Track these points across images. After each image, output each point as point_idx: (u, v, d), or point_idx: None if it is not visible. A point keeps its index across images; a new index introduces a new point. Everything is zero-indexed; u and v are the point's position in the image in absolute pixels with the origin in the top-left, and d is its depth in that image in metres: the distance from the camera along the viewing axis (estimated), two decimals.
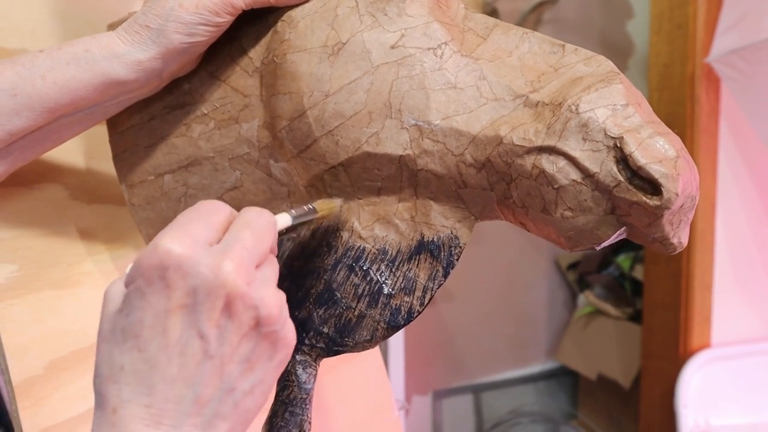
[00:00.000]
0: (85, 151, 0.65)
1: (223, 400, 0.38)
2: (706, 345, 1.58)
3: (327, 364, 0.77)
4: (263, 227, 0.40)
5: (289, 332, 0.40)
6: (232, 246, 0.38)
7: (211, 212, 0.39)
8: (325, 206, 0.49)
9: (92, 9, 0.64)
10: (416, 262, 0.48)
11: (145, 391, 0.36)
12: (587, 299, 2.14)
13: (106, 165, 0.65)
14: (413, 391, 2.10)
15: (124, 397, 0.36)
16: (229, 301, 0.37)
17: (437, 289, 0.48)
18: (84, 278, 0.62)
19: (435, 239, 0.48)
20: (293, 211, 0.45)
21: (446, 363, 2.17)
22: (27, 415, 0.56)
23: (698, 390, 1.53)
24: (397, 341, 1.53)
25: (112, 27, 0.55)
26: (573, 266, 2.25)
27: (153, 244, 0.37)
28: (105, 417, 0.37)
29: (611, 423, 2.17)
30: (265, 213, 0.40)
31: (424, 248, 0.48)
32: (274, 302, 0.38)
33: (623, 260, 2.04)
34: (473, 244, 2.08)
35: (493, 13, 1.93)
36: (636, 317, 1.97)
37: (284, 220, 0.44)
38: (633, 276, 2.01)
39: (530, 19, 2.03)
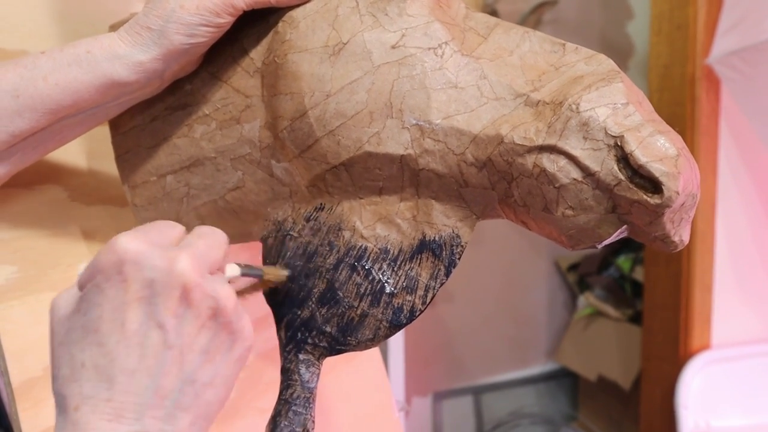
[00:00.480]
0: (85, 152, 0.64)
1: (184, 391, 0.38)
2: (706, 346, 1.58)
3: (327, 364, 0.77)
4: (216, 239, 0.41)
5: (246, 326, 0.40)
6: (185, 246, 0.39)
7: (166, 226, 0.41)
8: (273, 272, 0.50)
9: (93, 10, 0.64)
10: (418, 261, 0.48)
11: (105, 385, 0.36)
12: (587, 300, 2.14)
13: (106, 166, 0.65)
14: (413, 392, 2.10)
15: (85, 394, 0.36)
16: (186, 290, 0.37)
17: (439, 287, 0.48)
18: None
19: (437, 238, 0.48)
20: (242, 264, 0.46)
21: (446, 364, 2.17)
22: (27, 417, 0.56)
23: (698, 391, 1.53)
24: (397, 342, 1.53)
25: (113, 28, 0.55)
26: (573, 267, 2.25)
27: (109, 244, 0.37)
28: (67, 417, 0.36)
29: (611, 424, 2.16)
30: (217, 230, 0.42)
31: (425, 247, 0.48)
32: (230, 294, 0.39)
33: (623, 262, 2.04)
34: (473, 245, 2.08)
35: (493, 14, 1.93)
36: (636, 318, 1.97)
37: (232, 269, 0.45)
38: (633, 277, 2.01)
39: (530, 20, 2.03)
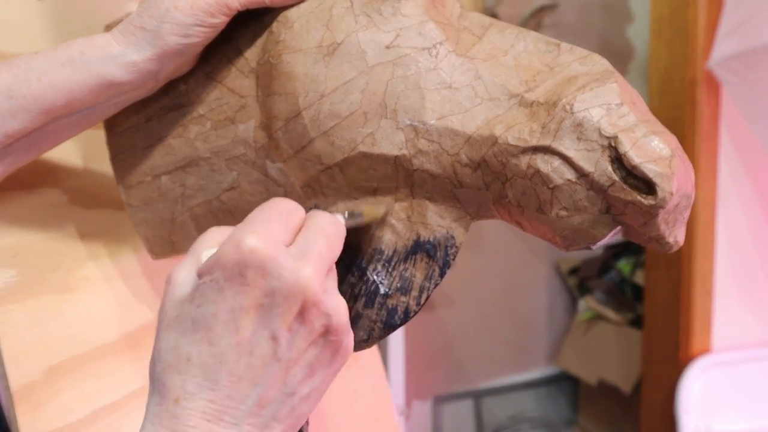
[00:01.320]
0: (84, 155, 0.64)
1: (283, 403, 0.38)
2: (706, 350, 1.58)
3: None
4: (336, 236, 0.41)
5: (350, 341, 0.40)
6: (310, 251, 0.38)
7: (288, 212, 0.40)
8: (371, 211, 0.49)
9: (89, 13, 0.64)
10: (412, 262, 0.48)
11: (210, 385, 0.36)
12: (588, 304, 2.14)
13: (105, 169, 0.64)
14: (413, 396, 2.09)
15: (187, 389, 0.36)
16: (305, 307, 0.37)
17: (433, 288, 0.48)
18: (83, 283, 0.62)
19: (431, 239, 0.48)
20: (345, 213, 0.45)
21: (446, 368, 2.17)
22: (26, 421, 0.56)
23: (699, 395, 1.53)
24: (397, 346, 1.53)
25: (109, 27, 0.55)
26: (573, 271, 2.25)
27: (236, 240, 0.37)
28: (165, 406, 0.36)
29: (612, 428, 2.16)
30: (337, 222, 0.41)
31: (420, 248, 0.48)
32: (344, 312, 0.39)
33: (624, 265, 2.04)
34: (473, 249, 2.08)
35: (493, 17, 1.94)
36: (637, 322, 1.96)
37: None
38: (634, 281, 2.01)
39: (530, 24, 2.03)
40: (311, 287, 0.37)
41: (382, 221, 0.49)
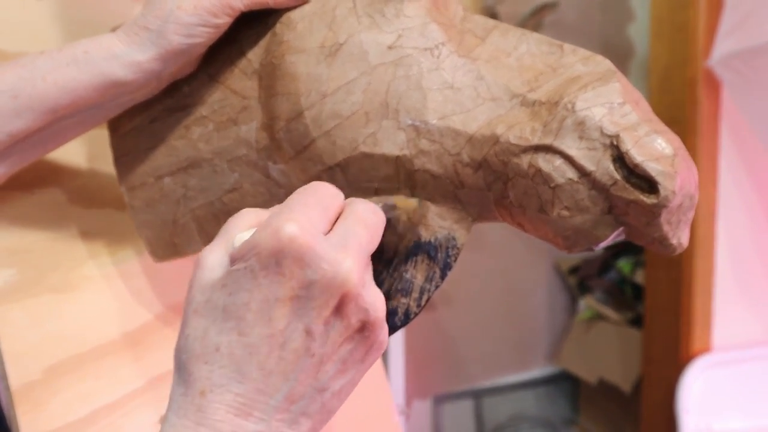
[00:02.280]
0: (84, 154, 0.64)
1: (313, 398, 0.37)
2: (707, 349, 1.58)
3: None
4: (376, 226, 0.39)
5: (385, 337, 0.39)
6: (351, 242, 0.37)
7: (327, 198, 0.39)
8: (404, 204, 0.48)
9: (93, 12, 0.64)
10: (413, 264, 0.48)
11: (238, 378, 0.35)
12: (588, 304, 2.13)
13: (105, 168, 0.64)
14: (413, 395, 2.09)
15: (215, 381, 0.35)
16: (344, 301, 0.36)
17: (434, 290, 0.48)
18: (83, 282, 0.62)
19: (432, 240, 0.48)
20: (380, 204, 0.45)
21: (446, 367, 2.17)
22: (26, 421, 0.56)
23: (699, 395, 1.53)
24: (396, 346, 1.53)
25: (115, 29, 0.55)
26: (573, 271, 2.25)
27: (274, 227, 0.35)
28: (191, 398, 0.35)
29: (612, 428, 2.16)
30: (378, 211, 0.40)
31: (421, 249, 0.48)
32: (382, 307, 0.38)
33: (624, 265, 2.04)
34: (473, 248, 2.08)
35: (493, 16, 1.93)
36: (637, 322, 1.96)
37: None
38: (634, 280, 2.00)
39: (530, 23, 2.03)
40: (351, 281, 0.36)
41: (415, 217, 0.49)
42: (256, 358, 0.35)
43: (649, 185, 0.40)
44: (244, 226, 0.38)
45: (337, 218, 0.39)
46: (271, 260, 0.35)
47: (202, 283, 0.37)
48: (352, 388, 0.39)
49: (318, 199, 0.38)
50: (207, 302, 0.36)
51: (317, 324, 0.36)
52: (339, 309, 0.36)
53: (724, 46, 1.41)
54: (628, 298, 2.02)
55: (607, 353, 2.04)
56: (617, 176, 0.40)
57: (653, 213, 0.40)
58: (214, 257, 0.37)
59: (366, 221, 0.39)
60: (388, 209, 0.46)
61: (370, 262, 0.39)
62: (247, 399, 0.35)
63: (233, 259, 0.36)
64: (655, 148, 0.40)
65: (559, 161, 0.42)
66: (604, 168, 0.41)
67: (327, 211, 0.38)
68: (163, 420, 0.36)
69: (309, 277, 0.35)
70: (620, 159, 0.40)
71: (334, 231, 0.38)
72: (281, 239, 0.35)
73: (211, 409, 0.35)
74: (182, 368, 0.36)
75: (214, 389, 0.35)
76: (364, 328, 0.37)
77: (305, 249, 0.35)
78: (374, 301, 0.37)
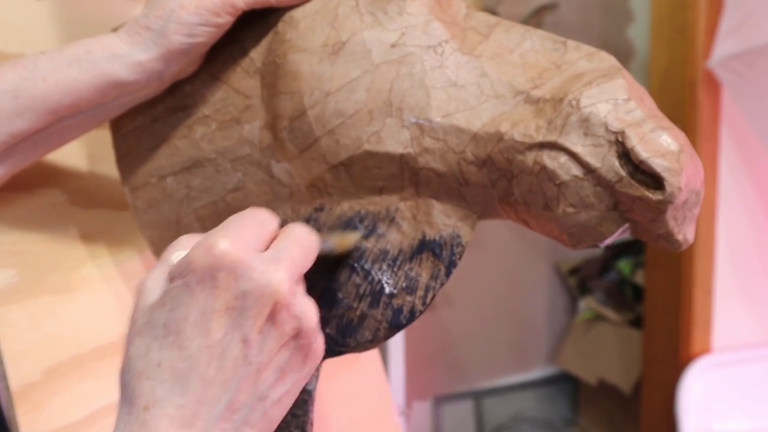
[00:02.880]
0: (85, 155, 0.64)
1: (254, 407, 0.37)
2: (707, 350, 1.58)
3: (327, 369, 0.77)
4: (310, 247, 0.40)
5: (320, 345, 0.40)
6: (284, 257, 0.38)
7: (262, 222, 0.40)
8: (342, 241, 0.49)
9: (94, 14, 0.64)
10: (418, 262, 0.48)
11: (180, 390, 0.36)
12: (588, 304, 2.13)
13: (105, 169, 0.64)
14: (413, 396, 2.09)
15: (157, 395, 0.36)
16: (276, 309, 0.37)
17: (439, 288, 0.48)
18: (83, 283, 0.62)
19: (437, 238, 0.48)
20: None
21: (446, 368, 2.17)
22: (25, 421, 0.56)
23: (700, 396, 1.53)
24: (397, 346, 1.53)
25: (116, 29, 0.55)
26: (573, 271, 2.25)
27: (207, 244, 0.36)
28: (135, 414, 0.36)
29: (612, 429, 2.16)
30: (313, 234, 0.41)
31: (425, 247, 0.48)
32: (314, 315, 0.39)
33: (624, 265, 2.04)
34: (474, 249, 2.08)
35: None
36: (637, 322, 1.96)
37: None
38: (634, 281, 2.00)
39: (531, 23, 2.03)
40: (282, 290, 0.37)
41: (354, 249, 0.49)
42: (197, 369, 0.36)
43: (655, 181, 0.40)
44: (182, 249, 0.40)
45: (273, 240, 0.40)
46: (206, 274, 0.36)
47: (142, 306, 0.38)
48: (292, 397, 0.40)
49: (252, 220, 0.39)
50: (148, 323, 0.37)
51: (253, 332, 0.37)
52: (272, 317, 0.37)
53: (724, 48, 1.41)
54: (628, 299, 2.02)
55: (607, 354, 2.05)
56: (623, 173, 0.40)
57: (659, 209, 0.40)
58: (153, 280, 0.38)
59: (300, 240, 0.40)
60: (324, 244, 0.46)
61: (303, 280, 0.41)
62: (189, 410, 0.36)
63: (171, 277, 0.38)
64: (660, 144, 0.40)
65: (564, 158, 0.42)
66: (609, 164, 0.41)
67: (261, 230, 0.39)
68: None
69: (242, 288, 0.36)
70: (625, 155, 0.40)
71: (269, 248, 0.39)
72: (215, 254, 0.36)
73: (154, 423, 0.35)
74: (126, 387, 0.37)
75: (157, 403, 0.36)
76: (298, 335, 0.38)
77: (237, 262, 0.36)
78: (306, 309, 0.38)
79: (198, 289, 0.36)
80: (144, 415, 0.36)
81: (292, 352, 0.39)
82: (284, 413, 0.40)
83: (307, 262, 0.40)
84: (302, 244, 0.40)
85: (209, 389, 0.36)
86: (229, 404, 0.36)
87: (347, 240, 0.49)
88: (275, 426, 0.39)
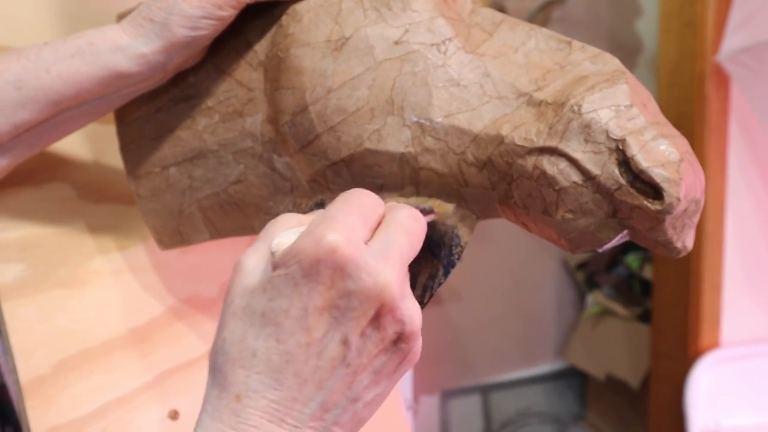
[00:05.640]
0: (93, 150, 0.65)
1: (346, 408, 0.37)
2: (715, 345, 1.57)
3: None
4: (418, 234, 0.39)
5: (419, 349, 0.39)
6: (391, 251, 0.37)
7: (368, 207, 0.38)
8: (440, 208, 0.48)
9: (99, 9, 0.64)
10: (417, 261, 0.48)
11: (274, 384, 0.35)
12: (596, 299, 2.13)
13: (114, 164, 0.65)
14: (421, 390, 2.09)
15: (251, 386, 0.35)
16: (381, 312, 0.36)
17: (437, 288, 0.48)
18: (92, 277, 0.62)
19: (436, 238, 0.48)
20: (416, 206, 0.44)
21: (454, 363, 2.17)
22: (35, 415, 0.56)
23: (708, 390, 1.52)
24: None
25: (121, 16, 0.55)
26: (581, 266, 2.24)
27: (316, 235, 0.35)
28: (226, 401, 0.35)
29: (620, 423, 2.16)
30: (420, 218, 0.40)
31: (424, 247, 0.48)
32: (419, 319, 0.38)
33: (632, 260, 2.03)
34: (481, 243, 2.08)
35: (501, 11, 1.93)
36: (645, 317, 1.96)
37: None
38: (642, 276, 2.00)
39: (538, 18, 2.02)
40: (389, 293, 0.35)
41: (451, 221, 0.48)
42: (293, 365, 0.35)
43: (654, 191, 0.40)
44: (283, 231, 0.38)
45: (378, 224, 0.39)
46: (312, 269, 0.35)
47: (241, 287, 0.37)
48: (383, 399, 0.39)
49: (359, 207, 0.38)
50: (246, 306, 0.36)
51: (354, 334, 0.36)
52: (376, 320, 0.36)
53: (733, 41, 1.40)
54: (636, 294, 2.01)
55: (615, 349, 2.04)
56: (622, 181, 0.40)
57: (657, 219, 0.40)
58: (254, 262, 0.37)
59: (408, 229, 0.38)
60: (425, 212, 0.45)
61: (407, 271, 0.39)
62: (281, 406, 0.35)
63: (275, 266, 0.36)
64: (661, 153, 0.40)
65: (563, 164, 0.42)
66: (609, 172, 0.40)
67: (368, 219, 0.38)
68: (198, 421, 0.36)
69: (348, 288, 0.35)
70: (626, 163, 0.40)
71: (375, 238, 0.38)
72: (323, 248, 0.35)
73: (246, 414, 0.35)
74: (218, 371, 0.36)
75: (250, 394, 0.35)
76: (400, 339, 0.37)
77: (346, 260, 0.35)
78: (411, 313, 0.37)
79: (302, 282, 0.35)
80: (236, 405, 0.35)
81: (391, 356, 0.37)
82: (372, 415, 0.39)
83: (414, 252, 0.39)
84: (409, 232, 0.38)
85: (304, 387, 0.35)
86: (322, 404, 0.36)
87: (446, 208, 0.48)
88: (362, 426, 0.38)
